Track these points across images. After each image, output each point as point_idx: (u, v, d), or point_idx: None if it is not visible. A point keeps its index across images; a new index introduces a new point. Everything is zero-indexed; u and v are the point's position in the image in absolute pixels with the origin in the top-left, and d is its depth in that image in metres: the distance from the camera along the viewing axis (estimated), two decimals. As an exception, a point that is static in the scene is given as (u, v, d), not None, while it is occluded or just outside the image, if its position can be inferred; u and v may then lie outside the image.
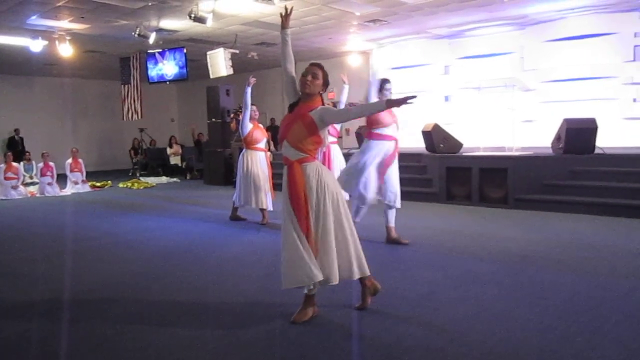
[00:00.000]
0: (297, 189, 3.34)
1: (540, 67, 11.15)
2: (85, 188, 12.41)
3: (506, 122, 9.30)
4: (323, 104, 3.49)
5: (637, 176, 7.35)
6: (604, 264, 4.69)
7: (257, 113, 7.25)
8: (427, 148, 9.65)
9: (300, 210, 3.32)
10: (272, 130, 13.15)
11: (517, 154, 8.58)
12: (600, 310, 3.53)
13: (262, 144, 7.27)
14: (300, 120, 3.38)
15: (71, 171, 12.36)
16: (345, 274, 3.41)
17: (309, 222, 3.32)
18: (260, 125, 7.42)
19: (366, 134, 5.55)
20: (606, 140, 8.43)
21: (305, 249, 3.30)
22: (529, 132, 10.52)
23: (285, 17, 3.60)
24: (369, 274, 3.53)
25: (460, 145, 9.41)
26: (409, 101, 3.21)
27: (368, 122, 5.37)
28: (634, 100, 10.26)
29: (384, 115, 5.23)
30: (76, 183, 12.24)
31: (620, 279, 4.24)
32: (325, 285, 3.38)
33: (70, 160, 12.38)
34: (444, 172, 8.86)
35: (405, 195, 9.12)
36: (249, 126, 7.07)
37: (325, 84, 3.49)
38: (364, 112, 3.38)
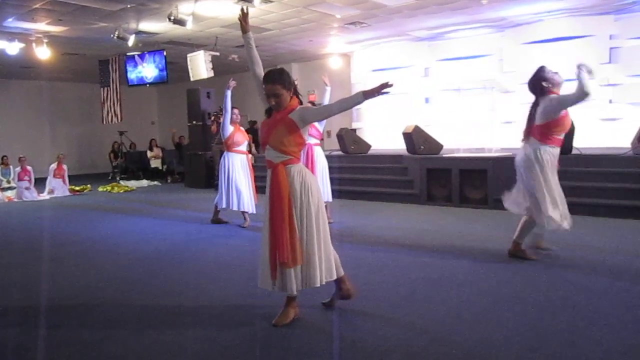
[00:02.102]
0: (281, 192, 3.33)
1: (519, 69, 11.26)
2: (65, 192, 12.23)
3: (486, 123, 9.40)
4: (301, 103, 3.49)
5: (614, 176, 7.49)
6: (582, 263, 4.77)
7: (238, 116, 7.25)
8: (407, 149, 9.70)
9: (282, 213, 3.31)
10: (253, 132, 13.06)
11: (496, 155, 8.66)
12: (578, 308, 3.58)
13: (243, 147, 7.27)
14: (281, 123, 3.39)
15: (54, 176, 12.18)
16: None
17: (293, 224, 3.32)
18: (242, 128, 7.41)
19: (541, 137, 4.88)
20: (583, 141, 8.57)
21: (268, 257, 3.36)
22: (509, 133, 10.59)
23: (244, 19, 3.58)
24: (335, 277, 3.52)
25: (440, 146, 9.48)
26: (384, 90, 3.17)
27: (551, 124, 4.84)
28: (610, 101, 10.44)
29: (566, 117, 4.85)
30: (51, 192, 11.99)
31: (597, 277, 4.31)
32: (307, 287, 3.40)
33: (54, 166, 12.21)
34: (424, 174, 8.93)
35: (385, 197, 9.27)
36: (229, 129, 7.07)
37: (289, 87, 3.41)
38: (344, 107, 3.36)
